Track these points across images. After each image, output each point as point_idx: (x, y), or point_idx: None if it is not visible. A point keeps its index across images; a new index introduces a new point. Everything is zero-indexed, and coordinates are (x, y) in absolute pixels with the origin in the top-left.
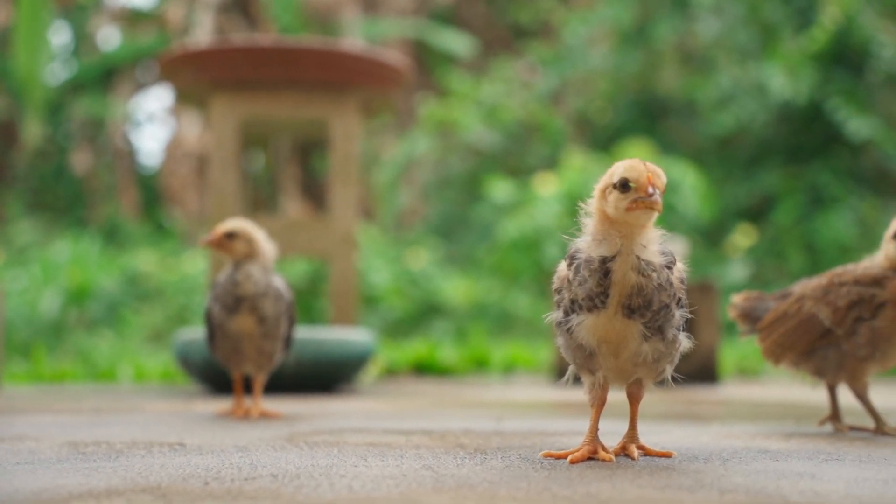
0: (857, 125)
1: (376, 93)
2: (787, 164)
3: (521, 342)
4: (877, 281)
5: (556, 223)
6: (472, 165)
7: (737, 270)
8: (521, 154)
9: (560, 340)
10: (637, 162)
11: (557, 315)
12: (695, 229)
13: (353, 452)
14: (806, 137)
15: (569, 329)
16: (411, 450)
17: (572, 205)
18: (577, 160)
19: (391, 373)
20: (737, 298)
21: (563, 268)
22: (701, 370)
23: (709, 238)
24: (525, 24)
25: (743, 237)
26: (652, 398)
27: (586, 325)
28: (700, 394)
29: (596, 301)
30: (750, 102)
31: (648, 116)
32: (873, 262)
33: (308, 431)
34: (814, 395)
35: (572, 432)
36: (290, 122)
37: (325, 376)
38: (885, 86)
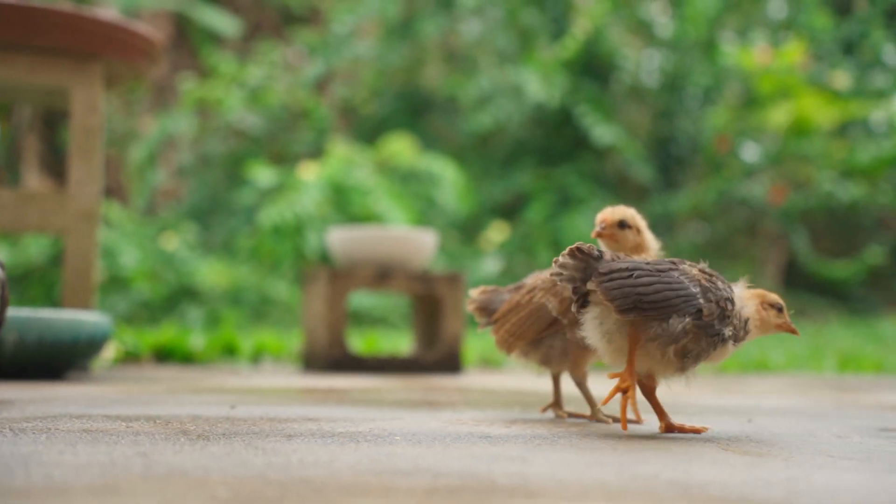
0: (602, 132)
1: (125, 64)
2: (540, 165)
3: (278, 329)
4: None
5: (318, 211)
6: (234, 148)
7: (490, 264)
8: (285, 140)
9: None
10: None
11: None
12: (453, 223)
13: (62, 439)
14: (557, 140)
15: None
16: (129, 436)
17: (334, 193)
18: (341, 150)
19: (133, 358)
20: (474, 292)
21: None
22: (446, 360)
23: (465, 232)
24: (294, 9)
25: (497, 233)
26: (394, 385)
27: None
28: (441, 382)
29: None
30: (507, 104)
31: (412, 111)
32: None
33: (18, 418)
34: (544, 383)
35: (305, 418)
36: (27, 88)
37: (53, 361)
38: (628, 96)
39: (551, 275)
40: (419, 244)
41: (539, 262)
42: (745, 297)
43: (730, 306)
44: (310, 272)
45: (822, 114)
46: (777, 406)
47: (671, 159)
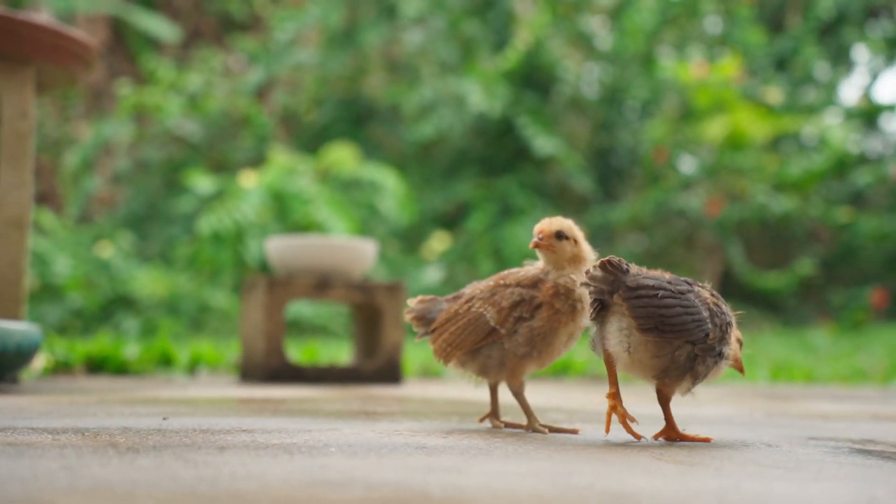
0: (543, 142)
1: (58, 69)
2: (481, 175)
3: (217, 339)
4: (535, 283)
5: (258, 219)
6: (173, 155)
7: (431, 274)
8: (225, 147)
9: None
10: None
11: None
12: (395, 232)
13: None
14: (498, 151)
15: None
16: (55, 450)
17: (275, 202)
18: (282, 157)
19: (64, 369)
20: (412, 302)
21: None
22: (386, 369)
23: (407, 241)
24: (235, 16)
25: (438, 242)
26: (332, 395)
27: None
28: (380, 392)
29: None
30: (449, 114)
31: (354, 119)
32: (535, 266)
33: None
34: (483, 393)
35: (239, 430)
36: None
37: None
38: (568, 108)
39: (581, 284)
40: (359, 253)
41: (480, 272)
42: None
43: (729, 330)
44: (248, 281)
45: (755, 128)
46: (711, 415)
47: (610, 171)
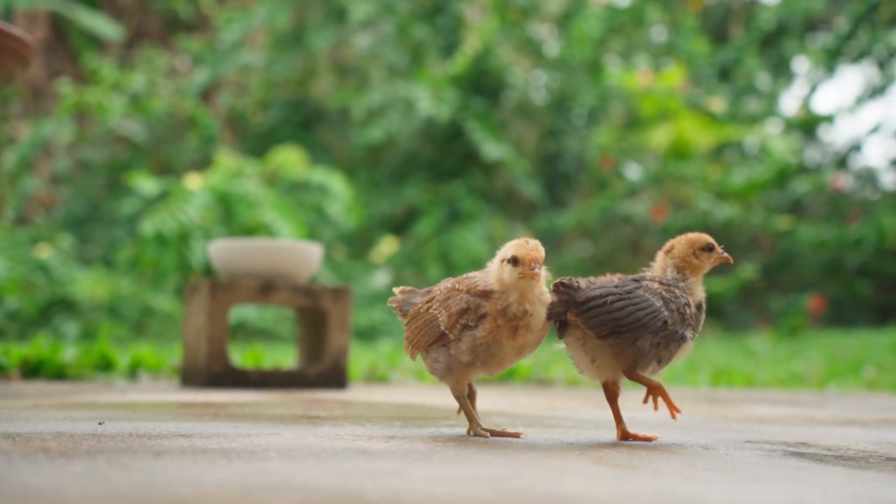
0: (491, 148)
1: None
2: (429, 180)
3: (159, 342)
4: (485, 294)
5: (203, 221)
6: (115, 155)
7: (379, 278)
8: (170, 148)
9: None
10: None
11: None
12: (343, 236)
13: None
14: (447, 155)
15: None
16: None
17: (220, 204)
18: (228, 160)
19: (2, 373)
20: (396, 290)
21: None
22: (330, 374)
23: (355, 246)
24: (181, 15)
25: (387, 246)
26: (275, 399)
27: None
28: (324, 396)
29: None
30: (397, 118)
31: (302, 122)
32: (488, 274)
33: None
34: (429, 398)
35: (177, 434)
36: None
37: None
38: (516, 113)
39: (549, 318)
40: (304, 257)
41: (428, 276)
42: (691, 281)
43: (688, 310)
44: (191, 284)
45: (699, 136)
46: (651, 419)
47: (558, 176)
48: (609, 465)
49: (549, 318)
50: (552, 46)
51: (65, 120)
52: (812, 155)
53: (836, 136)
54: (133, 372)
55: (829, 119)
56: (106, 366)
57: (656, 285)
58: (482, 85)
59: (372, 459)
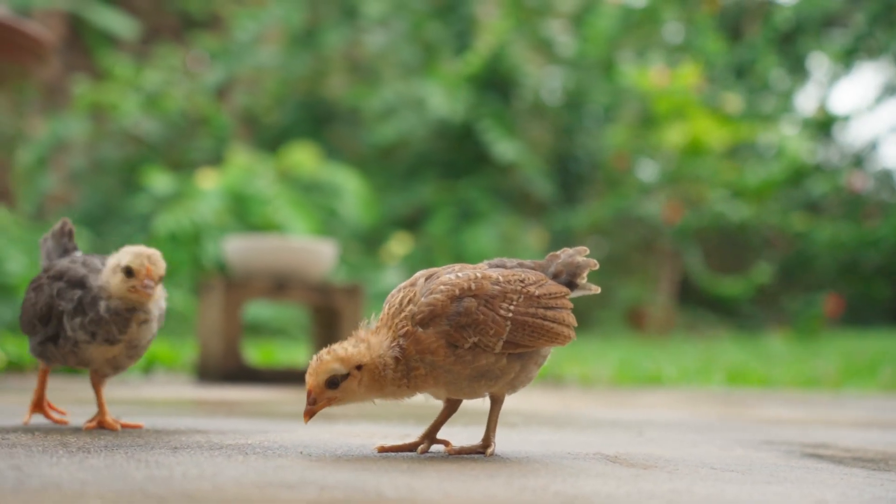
0: (504, 147)
1: (11, 63)
2: (442, 178)
3: (173, 339)
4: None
5: (217, 219)
6: (130, 154)
7: (391, 276)
8: (184, 147)
9: None
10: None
11: None
12: (355, 235)
13: None
14: (459, 154)
15: None
16: (4, 448)
17: (234, 202)
18: (241, 158)
19: (16, 368)
20: None
21: None
22: None
23: (368, 244)
24: (195, 13)
25: (399, 245)
26: (289, 397)
27: None
28: None
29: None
30: (411, 116)
31: (315, 120)
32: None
33: None
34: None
35: (193, 430)
36: None
37: None
38: (529, 112)
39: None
40: (318, 255)
41: None
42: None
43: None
44: (205, 282)
45: (714, 135)
46: (667, 419)
47: (571, 176)
48: (625, 464)
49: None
50: (566, 45)
51: (80, 118)
52: (829, 154)
53: (853, 135)
54: (148, 368)
55: (845, 118)
56: None
57: None
58: (495, 84)
59: (387, 456)
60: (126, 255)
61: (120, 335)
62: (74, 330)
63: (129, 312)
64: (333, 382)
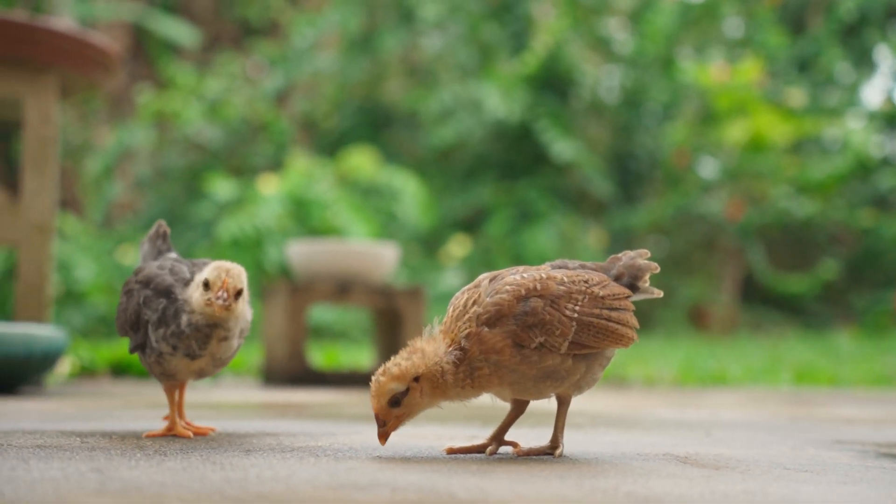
0: (562, 147)
1: (80, 75)
2: (500, 180)
3: None
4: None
5: (278, 224)
6: (193, 161)
7: (451, 278)
8: (244, 153)
9: None
10: (221, 266)
11: None
12: (414, 237)
13: (15, 455)
14: (517, 155)
15: None
16: (84, 452)
17: (295, 207)
18: (301, 163)
19: (89, 373)
20: None
21: None
22: None
23: (427, 246)
24: (253, 21)
25: (458, 247)
26: (354, 399)
27: None
28: None
29: None
30: (468, 118)
31: (373, 124)
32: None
33: None
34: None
35: (263, 433)
36: None
37: (6, 376)
38: (587, 112)
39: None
40: (379, 258)
41: None
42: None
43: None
44: (270, 286)
45: (777, 130)
46: (734, 419)
47: (630, 174)
48: (696, 465)
49: None
50: (624, 43)
51: (145, 127)
52: None
53: None
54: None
55: None
56: None
57: None
58: (552, 83)
59: (456, 458)
60: (208, 268)
61: (200, 351)
62: (158, 341)
63: (209, 328)
64: (395, 401)
